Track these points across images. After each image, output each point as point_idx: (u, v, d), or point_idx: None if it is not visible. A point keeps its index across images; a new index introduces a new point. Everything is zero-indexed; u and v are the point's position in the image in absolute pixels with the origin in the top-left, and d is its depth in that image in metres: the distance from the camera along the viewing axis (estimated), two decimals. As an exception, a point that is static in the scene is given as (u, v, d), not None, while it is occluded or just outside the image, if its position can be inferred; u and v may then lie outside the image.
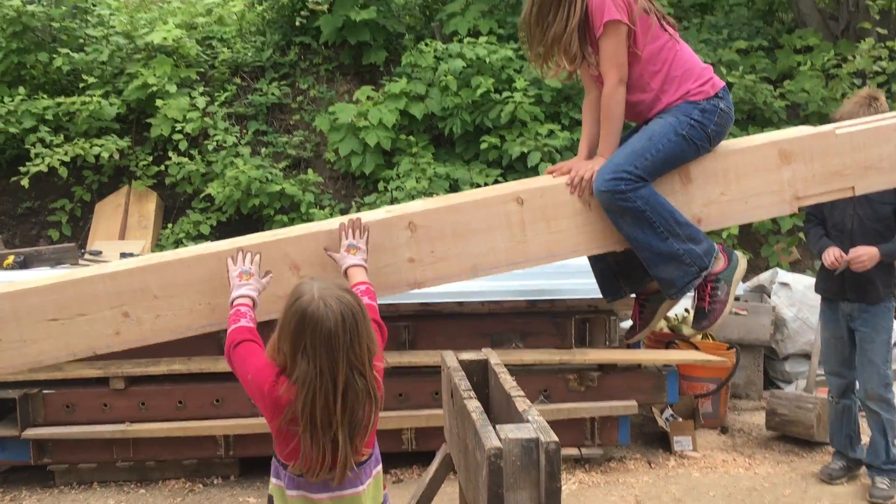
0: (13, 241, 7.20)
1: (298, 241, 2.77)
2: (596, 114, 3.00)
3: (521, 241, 2.86)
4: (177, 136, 7.24)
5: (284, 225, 6.96)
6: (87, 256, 5.02)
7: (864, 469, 4.46)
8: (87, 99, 7.27)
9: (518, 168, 7.22)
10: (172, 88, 7.39)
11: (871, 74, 7.39)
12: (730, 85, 7.17)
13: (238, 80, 8.13)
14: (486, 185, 7.02)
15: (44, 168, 6.94)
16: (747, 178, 2.95)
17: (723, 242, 2.92)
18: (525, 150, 7.01)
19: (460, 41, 7.62)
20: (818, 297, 4.48)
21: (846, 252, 4.13)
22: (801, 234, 6.88)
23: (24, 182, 6.90)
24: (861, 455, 4.46)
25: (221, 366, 4.31)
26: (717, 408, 5.36)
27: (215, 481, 4.55)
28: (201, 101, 7.44)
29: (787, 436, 5.10)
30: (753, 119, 7.58)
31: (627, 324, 5.07)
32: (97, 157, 7.12)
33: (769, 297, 6.04)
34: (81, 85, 7.50)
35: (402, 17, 8.85)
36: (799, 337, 5.89)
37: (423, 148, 7.43)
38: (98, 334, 2.67)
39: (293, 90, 8.23)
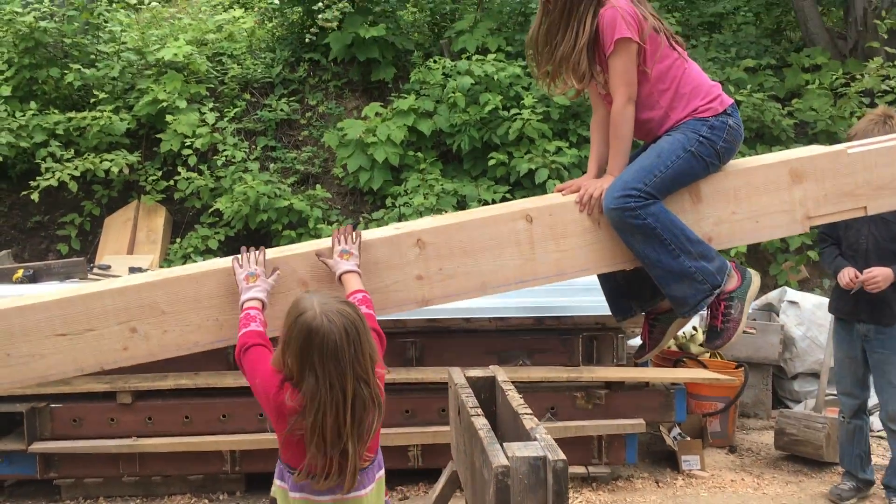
0: (23, 255, 7.24)
1: (306, 257, 2.77)
2: (604, 132, 2.99)
3: (530, 259, 2.85)
4: (186, 152, 7.28)
5: (292, 240, 6.98)
6: (95, 271, 5.03)
7: (873, 490, 4.42)
8: (98, 114, 7.33)
9: (526, 184, 7.23)
10: (182, 104, 7.44)
11: (879, 93, 7.39)
12: (738, 103, 7.17)
13: (247, 96, 8.19)
14: (493, 201, 7.03)
15: (54, 182, 6.99)
16: (758, 197, 2.93)
17: (735, 260, 2.89)
18: (533, 167, 7.02)
19: (469, 58, 7.66)
20: (827, 316, 4.46)
21: (861, 272, 4.11)
22: (810, 253, 6.86)
23: (35, 196, 6.94)
24: (871, 476, 4.43)
25: (228, 381, 4.31)
26: (725, 427, 5.33)
27: (221, 497, 4.54)
28: (211, 117, 7.49)
29: (796, 456, 5.06)
30: (761, 137, 7.58)
31: (635, 341, 5.06)
32: (107, 171, 7.16)
33: (778, 315, 6.02)
34: (92, 100, 7.56)
35: (411, 35, 8.91)
36: (808, 356, 5.86)
37: (431, 164, 7.45)
38: (106, 350, 2.67)
39: (302, 106, 8.28)
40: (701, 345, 5.58)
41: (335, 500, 2.25)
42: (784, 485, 4.73)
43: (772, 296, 6.24)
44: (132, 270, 4.86)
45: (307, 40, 8.34)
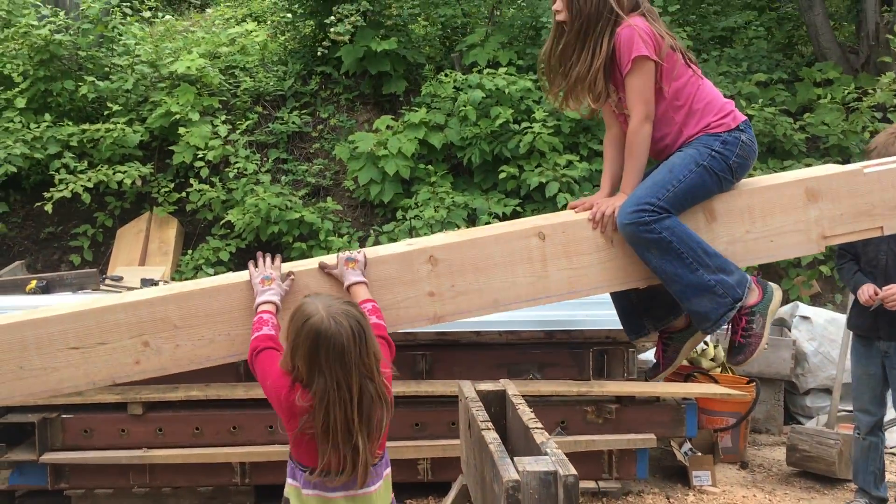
0: (35, 266, 7.29)
1: (317, 272, 2.77)
2: (617, 149, 2.98)
3: (543, 276, 2.83)
4: (198, 164, 7.33)
5: (303, 252, 7.00)
6: (108, 282, 5.06)
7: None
8: (112, 126, 7.39)
9: (536, 198, 7.23)
10: (195, 116, 7.49)
11: (891, 108, 7.37)
12: (749, 117, 7.16)
13: (259, 109, 8.24)
14: (504, 214, 7.04)
15: (67, 194, 7.04)
16: (773, 217, 2.91)
17: (756, 274, 2.86)
18: (543, 181, 7.03)
19: (480, 72, 7.68)
20: (839, 331, 4.43)
21: (881, 289, 4.09)
22: (822, 268, 6.83)
23: (48, 207, 7.00)
24: (885, 493, 4.39)
25: (239, 393, 4.32)
26: (736, 442, 5.29)
27: (230, 509, 4.54)
28: (223, 129, 7.54)
29: (808, 472, 5.02)
30: (773, 152, 7.57)
31: (646, 356, 5.04)
32: (120, 183, 7.21)
33: (789, 330, 5.98)
34: (106, 112, 7.62)
35: (423, 48, 8.96)
36: (820, 371, 5.82)
37: (442, 177, 7.47)
38: (118, 363, 2.68)
39: (314, 119, 8.32)
40: (716, 361, 5.56)
41: (347, 496, 2.32)
42: (796, 501, 4.69)
43: (783, 311, 6.21)
44: (144, 282, 4.89)
45: (319, 53, 8.39)
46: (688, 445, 5.12)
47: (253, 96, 8.34)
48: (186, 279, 6.60)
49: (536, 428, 2.40)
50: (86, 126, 7.43)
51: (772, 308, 2.85)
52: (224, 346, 2.71)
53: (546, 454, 2.17)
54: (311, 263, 2.80)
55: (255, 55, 8.99)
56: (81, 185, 7.07)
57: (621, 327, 3.25)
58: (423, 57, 8.68)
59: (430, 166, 7.49)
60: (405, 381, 4.35)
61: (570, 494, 2.01)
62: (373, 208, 7.67)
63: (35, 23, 7.69)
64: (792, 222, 2.92)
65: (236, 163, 7.40)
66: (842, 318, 5.63)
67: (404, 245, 2.87)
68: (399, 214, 7.26)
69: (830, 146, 7.61)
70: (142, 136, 7.49)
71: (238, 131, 7.73)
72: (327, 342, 2.19)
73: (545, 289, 2.85)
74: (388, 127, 7.63)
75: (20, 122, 7.32)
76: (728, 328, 2.88)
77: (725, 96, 2.96)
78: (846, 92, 7.76)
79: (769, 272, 7.20)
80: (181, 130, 7.42)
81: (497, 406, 2.89)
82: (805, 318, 5.97)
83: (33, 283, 4.76)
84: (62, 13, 7.98)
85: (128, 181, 7.20)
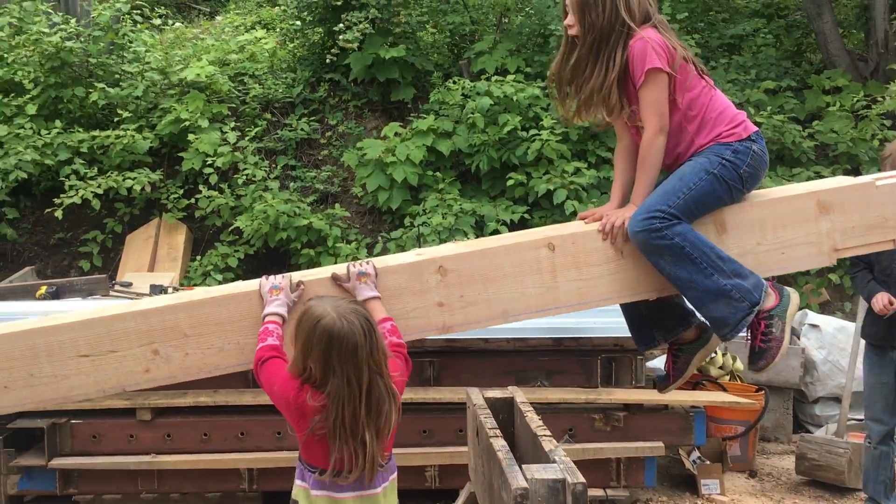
0: (45, 272, 7.32)
1: (326, 282, 2.77)
2: (628, 161, 2.98)
3: (552, 287, 2.82)
4: (207, 170, 7.36)
5: (311, 258, 7.02)
6: (117, 288, 5.08)
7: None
8: (122, 133, 7.43)
9: (544, 205, 7.23)
10: (204, 123, 7.53)
11: (900, 116, 7.36)
12: (758, 125, 7.16)
13: (268, 116, 8.27)
14: (512, 221, 7.04)
15: (77, 200, 7.08)
16: (784, 229, 2.88)
17: (771, 280, 2.83)
18: (551, 188, 7.03)
19: (488, 79, 7.70)
20: (848, 340, 4.41)
21: (895, 297, 4.08)
22: (831, 276, 6.81)
23: (58, 213, 7.03)
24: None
25: (247, 399, 4.33)
26: (745, 451, 5.27)
27: (238, 515, 4.54)
28: (232, 136, 7.57)
29: (817, 481, 5.00)
30: (781, 159, 7.55)
31: (653, 363, 5.03)
32: (129, 189, 7.25)
33: (798, 338, 5.96)
34: (116, 119, 7.67)
35: (431, 56, 8.99)
36: (829, 380, 5.80)
37: (450, 184, 7.48)
38: (128, 371, 2.67)
39: (322, 126, 8.35)
40: (725, 369, 5.54)
41: (356, 497, 2.36)
42: (805, 511, 4.67)
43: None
44: (153, 288, 4.90)
45: (328, 61, 8.42)
46: (696, 454, 5.11)
47: (262, 103, 8.38)
48: (195, 285, 6.63)
49: (545, 435, 2.40)
50: (96, 132, 7.48)
51: (790, 312, 2.80)
52: (233, 354, 2.71)
53: (554, 462, 2.17)
54: (322, 273, 2.80)
55: (265, 62, 9.03)
56: (91, 192, 7.11)
57: (629, 335, 3.24)
58: (431, 64, 8.71)
59: (438, 173, 7.50)
60: (413, 387, 4.35)
61: (578, 502, 2.01)
62: (381, 215, 7.69)
63: (46, 30, 7.76)
64: (803, 235, 2.89)
65: (245, 169, 7.43)
66: (851, 326, 5.60)
67: (413, 255, 2.86)
68: (407, 221, 7.27)
69: (839, 154, 7.59)
70: (151, 142, 7.53)
71: (247, 138, 7.76)
72: (340, 341, 2.25)
73: (554, 300, 2.83)
74: (396, 134, 7.65)
75: (31, 128, 7.37)
76: (747, 335, 2.85)
77: (734, 104, 2.95)
78: (855, 100, 7.75)
79: (778, 280, 7.18)
80: (190, 137, 7.45)
81: (505, 413, 2.88)
82: (814, 326, 5.95)
83: (43, 289, 4.79)
84: (73, 20, 8.04)
85: (137, 187, 7.23)
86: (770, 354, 2.78)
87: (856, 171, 7.56)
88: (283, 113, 8.43)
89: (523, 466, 2.12)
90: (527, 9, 9.24)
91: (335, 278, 2.72)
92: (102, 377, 2.67)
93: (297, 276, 2.74)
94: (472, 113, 7.40)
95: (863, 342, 4.58)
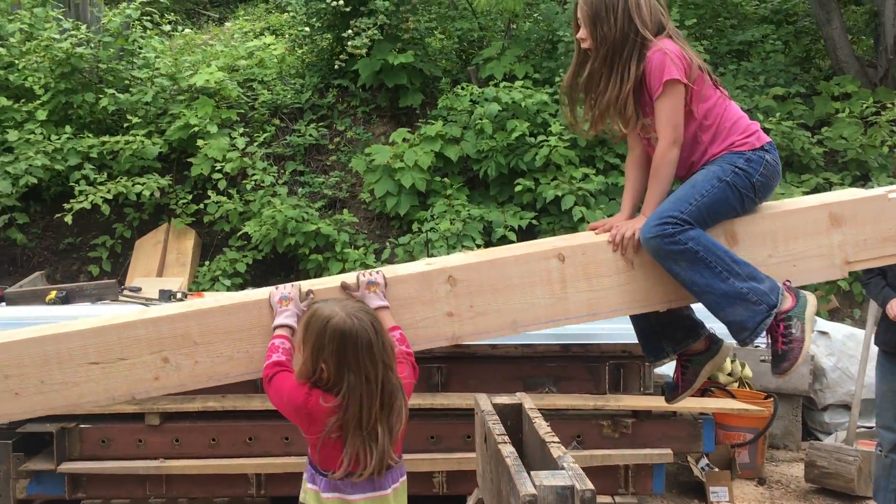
0: (55, 277, 7.35)
1: (335, 291, 2.78)
2: (640, 171, 2.97)
3: (562, 298, 2.81)
4: (216, 176, 7.39)
5: (319, 264, 7.03)
6: (126, 293, 5.09)
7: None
8: (131, 138, 7.47)
9: (552, 211, 7.23)
10: (213, 129, 7.56)
11: (910, 122, 7.34)
12: (766, 131, 7.14)
13: (277, 122, 8.30)
14: (520, 227, 7.04)
15: (87, 205, 7.11)
16: (796, 241, 2.87)
17: (786, 283, 2.81)
18: (559, 194, 7.03)
19: (496, 85, 7.71)
20: (858, 347, 4.39)
21: None
22: (840, 283, 6.78)
23: (68, 218, 7.07)
24: (905, 512, 4.34)
25: (255, 404, 4.33)
26: (754, 458, 5.25)
27: (245, 520, 4.54)
28: (241, 142, 7.60)
29: (827, 489, 4.97)
30: (791, 166, 7.53)
31: (661, 370, 5.02)
32: (138, 195, 7.28)
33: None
34: (126, 125, 7.71)
35: (439, 61, 9.00)
36: (838, 387, 5.77)
37: (458, 190, 7.49)
38: (138, 379, 2.68)
39: (330, 131, 8.37)
40: (734, 376, 5.52)
41: (367, 498, 2.38)
42: (815, 519, 4.65)
43: (801, 325, 6.15)
44: (162, 293, 4.92)
45: (336, 67, 8.45)
46: (705, 461, 5.09)
47: (270, 109, 8.40)
48: (204, 290, 6.64)
49: (553, 442, 2.39)
50: (105, 138, 7.51)
51: (809, 312, 2.77)
52: (243, 363, 2.71)
53: (563, 468, 2.16)
54: (332, 282, 2.80)
55: (273, 68, 9.06)
56: (101, 197, 7.14)
57: (638, 342, 3.23)
58: (439, 70, 8.73)
59: (446, 179, 7.51)
60: (421, 393, 4.34)
61: (587, 509, 2.00)
62: (389, 220, 7.70)
63: (57, 36, 7.80)
64: (815, 247, 2.88)
65: (254, 175, 7.45)
66: (860, 334, 5.58)
67: (423, 265, 2.86)
68: (415, 227, 7.28)
69: (849, 160, 7.57)
70: (161, 148, 7.56)
71: (256, 143, 7.78)
72: (355, 339, 2.28)
73: (564, 311, 2.82)
74: (404, 140, 7.67)
75: (41, 133, 7.41)
76: (767, 340, 2.82)
77: (742, 110, 2.95)
78: (864, 106, 7.73)
79: (787, 286, 7.15)
80: (199, 143, 7.48)
81: (513, 419, 2.87)
82: (823, 333, 5.93)
83: (53, 294, 4.80)
84: (83, 27, 8.09)
85: (146, 193, 7.26)
86: (793, 356, 2.75)
87: (865, 178, 7.54)
88: (291, 119, 8.45)
89: (532, 473, 2.12)
90: (535, 15, 9.26)
91: (344, 287, 2.72)
92: (112, 385, 2.68)
93: (306, 285, 2.74)
94: (481, 119, 7.41)
95: (874, 349, 4.55)
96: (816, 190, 7.35)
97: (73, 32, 7.90)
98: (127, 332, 2.67)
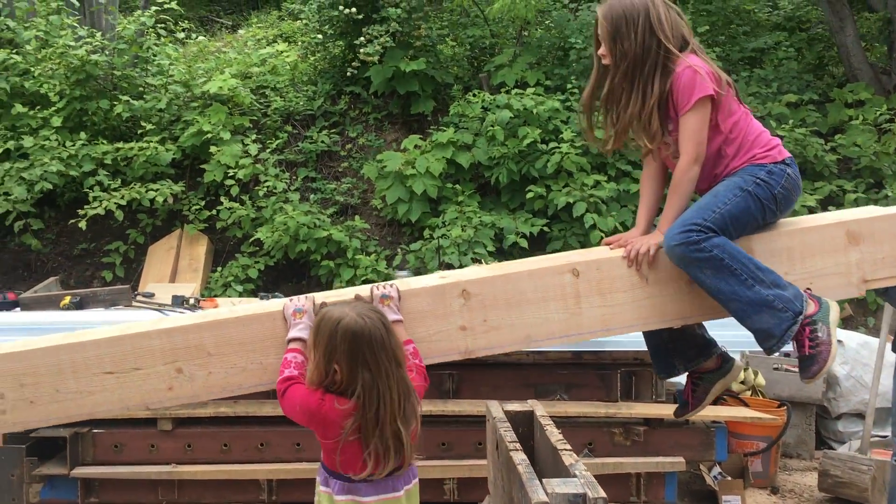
0: (69, 282, 7.40)
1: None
2: (655, 186, 2.96)
3: (576, 313, 2.80)
4: (229, 182, 7.42)
5: (330, 270, 7.05)
6: (139, 298, 5.12)
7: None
8: (145, 145, 7.52)
9: (563, 218, 7.23)
10: (226, 135, 7.60)
11: (925, 129, 7.29)
12: (779, 138, 7.11)
13: (289, 128, 8.33)
14: (531, 234, 7.04)
15: (101, 211, 7.16)
16: (813, 259, 2.86)
17: (809, 289, 2.79)
18: (571, 201, 7.02)
19: (508, 92, 7.72)
20: (872, 355, 4.36)
21: None
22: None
23: (82, 224, 7.11)
24: (920, 521, 4.30)
25: (267, 410, 4.34)
26: (767, 467, 5.22)
27: (256, 526, 4.54)
28: (253, 148, 7.64)
29: (840, 498, 4.93)
30: (804, 173, 7.49)
31: (673, 378, 4.99)
32: (152, 201, 7.32)
33: (821, 353, 5.89)
34: (139, 131, 7.76)
35: (451, 69, 9.02)
36: (852, 396, 5.73)
37: (469, 196, 7.49)
38: (152, 389, 2.69)
39: (342, 138, 8.40)
40: (746, 384, 5.49)
41: (379, 500, 2.41)
42: (828, 528, 4.61)
43: (815, 333, 6.11)
44: (175, 298, 4.94)
45: (348, 74, 8.49)
46: (717, 469, 5.06)
47: (283, 116, 8.44)
48: (216, 296, 6.67)
49: (565, 449, 2.39)
50: (120, 144, 7.57)
51: (832, 317, 2.76)
52: (256, 374, 2.72)
53: (575, 476, 2.16)
54: (346, 294, 2.81)
55: (286, 75, 9.11)
56: (114, 203, 7.19)
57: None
58: (451, 77, 8.75)
59: (457, 186, 7.52)
60: (432, 400, 4.34)
61: (599, 517, 2.00)
62: (400, 227, 7.71)
63: (72, 43, 7.88)
64: (832, 265, 2.87)
65: (266, 181, 7.48)
66: (874, 342, 5.54)
67: (437, 278, 2.85)
68: (426, 233, 7.28)
69: (862, 168, 7.53)
70: (174, 154, 7.60)
71: (268, 150, 7.82)
72: (368, 337, 2.31)
73: (578, 326, 2.82)
74: (416, 146, 7.68)
75: (56, 140, 7.47)
76: (793, 347, 2.80)
77: (755, 117, 2.95)
78: (878, 113, 7.69)
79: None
80: (212, 149, 7.52)
81: (525, 427, 2.87)
82: (837, 341, 5.88)
83: (67, 299, 4.83)
84: (98, 34, 8.16)
85: (160, 199, 7.30)
86: (821, 359, 2.74)
87: (879, 186, 7.50)
88: (303, 125, 8.49)
89: (543, 480, 2.12)
90: (546, 22, 9.27)
91: (358, 300, 2.73)
92: (126, 394, 2.69)
93: (320, 297, 2.75)
94: (492, 126, 7.42)
95: (889, 358, 4.52)
96: (829, 197, 7.32)
97: (88, 40, 7.97)
98: (141, 343, 2.68)
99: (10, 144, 7.40)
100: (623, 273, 2.83)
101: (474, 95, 7.91)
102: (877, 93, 8.22)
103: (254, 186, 7.61)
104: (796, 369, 5.59)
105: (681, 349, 3.04)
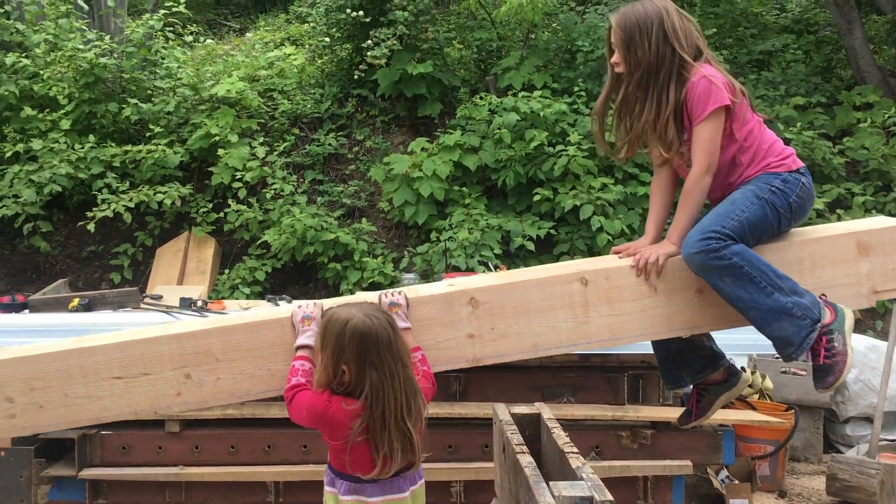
0: (77, 284, 7.43)
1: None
2: (665, 195, 2.96)
3: (584, 322, 2.81)
4: (236, 185, 7.45)
5: (337, 272, 7.06)
6: (147, 300, 5.13)
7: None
8: (153, 147, 7.55)
9: (570, 220, 7.22)
10: (234, 138, 7.62)
11: (933, 132, 7.27)
12: (787, 141, 7.11)
13: (297, 131, 8.35)
14: (538, 237, 7.04)
15: (109, 213, 7.19)
16: (823, 269, 2.86)
17: (824, 296, 2.79)
18: (578, 203, 7.02)
19: (515, 95, 7.72)
20: (880, 359, 4.34)
21: None
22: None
23: (91, 226, 7.14)
24: (928, 526, 4.28)
25: (274, 412, 4.35)
26: (774, 471, 5.20)
27: (263, 528, 4.55)
28: (261, 151, 7.66)
29: (849, 502, 4.91)
30: (812, 176, 7.45)
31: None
32: (160, 203, 7.35)
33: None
34: (148, 134, 7.79)
35: (458, 71, 9.03)
36: (860, 399, 5.71)
37: (476, 199, 7.50)
38: (160, 394, 2.70)
39: (349, 141, 8.41)
40: (754, 387, 5.48)
41: (385, 500, 2.43)
42: (836, 532, 4.59)
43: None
44: (183, 301, 4.95)
45: (356, 77, 8.50)
46: (725, 473, 5.04)
47: (290, 118, 8.47)
48: (223, 298, 6.69)
49: (572, 452, 2.39)
50: (128, 147, 7.60)
51: (848, 325, 2.76)
52: (264, 380, 2.73)
53: (582, 479, 2.15)
54: (354, 301, 2.83)
55: (293, 78, 9.13)
56: (123, 205, 7.22)
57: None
58: (458, 80, 8.75)
59: (464, 188, 7.52)
60: (439, 402, 4.34)
61: (606, 520, 1.99)
62: (407, 229, 7.71)
63: (81, 46, 7.91)
64: (843, 276, 2.86)
65: (273, 184, 7.50)
66: (882, 345, 5.52)
67: (445, 286, 2.86)
68: (433, 236, 7.29)
69: (870, 171, 7.50)
70: (182, 157, 7.63)
71: (275, 153, 7.84)
72: (375, 337, 2.34)
73: (586, 335, 2.82)
74: (422, 149, 7.69)
75: (65, 142, 7.51)
76: (808, 354, 2.77)
77: (755, 109, 2.94)
78: (886, 116, 7.67)
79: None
80: (220, 152, 7.54)
81: (531, 429, 2.87)
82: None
83: (76, 301, 4.84)
84: (107, 37, 8.20)
85: (168, 201, 7.33)
86: (837, 369, 2.73)
87: (887, 188, 7.47)
88: (311, 128, 8.51)
89: (550, 483, 2.12)
90: (553, 25, 9.27)
91: None
92: (135, 400, 2.71)
93: (328, 304, 2.76)
94: (499, 128, 7.43)
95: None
96: (838, 200, 7.29)
97: (97, 43, 8.01)
98: (150, 348, 2.69)
99: (20, 147, 7.44)
100: (631, 282, 2.82)
101: (481, 98, 7.92)
102: (885, 95, 8.20)
103: (261, 189, 7.63)
104: (804, 373, 5.61)
105: (689, 361, 3.04)
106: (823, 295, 2.80)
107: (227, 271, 7.34)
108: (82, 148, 7.51)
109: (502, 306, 2.79)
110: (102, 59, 7.84)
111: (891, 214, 6.82)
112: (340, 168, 8.25)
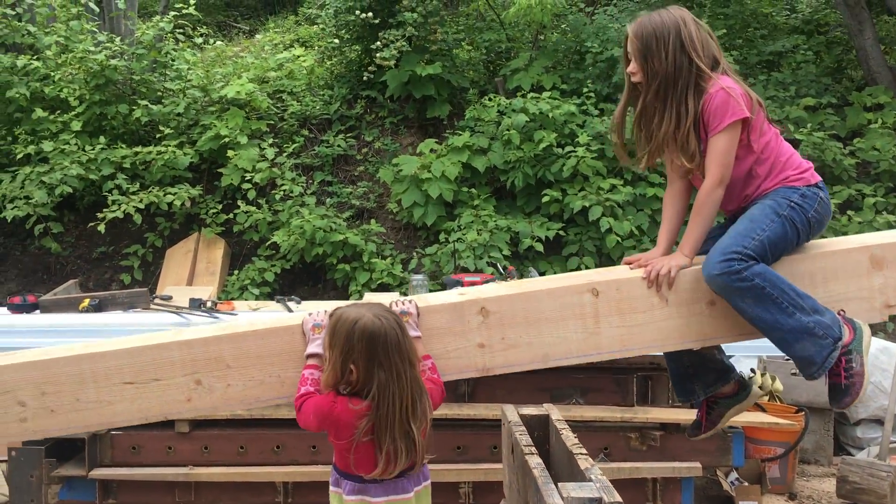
0: (87, 284, 7.47)
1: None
2: (678, 206, 2.94)
3: (594, 332, 2.80)
4: (246, 186, 7.47)
5: (346, 274, 7.07)
6: (157, 301, 5.16)
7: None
8: (163, 149, 7.58)
9: (579, 221, 7.21)
10: (243, 139, 7.65)
11: (945, 132, 7.22)
12: (797, 142, 7.08)
13: (306, 132, 8.37)
14: (547, 238, 7.03)
15: (120, 214, 7.22)
16: (836, 283, 2.83)
17: (841, 313, 2.77)
18: (587, 205, 7.01)
19: (523, 96, 7.72)
20: (891, 361, 4.32)
21: None
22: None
23: (101, 227, 7.18)
24: (940, 529, 4.26)
25: (283, 412, 4.35)
26: (784, 473, 5.18)
27: (272, 528, 4.56)
28: (270, 152, 7.68)
29: (859, 505, 4.89)
30: (822, 177, 7.42)
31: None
32: (170, 204, 7.38)
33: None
34: (158, 135, 7.83)
35: (467, 72, 9.03)
36: (871, 402, 5.68)
37: (485, 200, 7.50)
38: (171, 400, 2.71)
39: (358, 142, 8.43)
40: (763, 389, 5.46)
41: (389, 501, 2.44)
42: (847, 535, 4.57)
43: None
44: (192, 301, 4.97)
45: (365, 78, 8.52)
46: (734, 475, 5.02)
47: (300, 120, 8.49)
48: (233, 299, 6.71)
49: (580, 453, 2.38)
50: (138, 148, 7.64)
51: (865, 344, 2.73)
52: (274, 387, 2.73)
53: (590, 480, 2.15)
54: (367, 300, 2.84)
55: (303, 80, 9.16)
56: (133, 206, 7.25)
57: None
58: (467, 81, 8.76)
59: (473, 189, 7.53)
60: (447, 403, 4.33)
61: (614, 522, 1.99)
62: (416, 231, 7.72)
63: (92, 48, 7.95)
64: (855, 289, 2.84)
65: (282, 185, 7.52)
66: (893, 347, 5.50)
67: (456, 295, 2.86)
68: (442, 237, 7.29)
69: (881, 172, 7.47)
70: (192, 158, 7.67)
71: (285, 154, 7.86)
72: (384, 337, 2.36)
73: (596, 345, 2.81)
74: (431, 150, 7.70)
75: (76, 144, 7.55)
76: (826, 373, 2.75)
77: (772, 121, 2.93)
78: (897, 116, 7.63)
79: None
80: (230, 153, 7.57)
81: (540, 431, 2.86)
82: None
83: (86, 302, 4.87)
84: (117, 39, 8.24)
85: (177, 202, 7.36)
86: (854, 390, 2.72)
87: (898, 189, 7.43)
88: (320, 129, 8.53)
89: (559, 485, 2.11)
90: (563, 26, 9.27)
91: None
92: (146, 405, 2.72)
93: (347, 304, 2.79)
94: (508, 129, 7.42)
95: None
96: (848, 201, 7.26)
97: (107, 45, 8.05)
98: (161, 354, 2.70)
99: (31, 149, 7.49)
100: (643, 293, 2.80)
101: (490, 99, 7.92)
102: (896, 96, 8.16)
103: (270, 190, 7.65)
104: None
105: (701, 374, 3.03)
106: (842, 311, 2.78)
107: (236, 272, 7.36)
108: (93, 149, 7.55)
109: (513, 316, 2.78)
110: (113, 61, 7.88)
111: (902, 216, 6.80)
112: (349, 169, 8.27)
